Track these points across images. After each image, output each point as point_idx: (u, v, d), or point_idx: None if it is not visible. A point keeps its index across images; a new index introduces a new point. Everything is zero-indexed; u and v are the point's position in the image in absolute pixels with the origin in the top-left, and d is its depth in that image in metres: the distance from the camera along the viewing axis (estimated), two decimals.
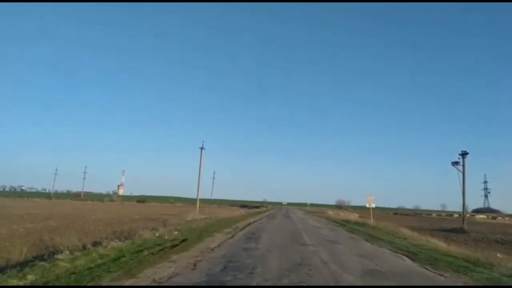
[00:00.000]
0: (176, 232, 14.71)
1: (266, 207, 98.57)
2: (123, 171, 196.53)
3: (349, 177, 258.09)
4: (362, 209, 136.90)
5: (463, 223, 35.18)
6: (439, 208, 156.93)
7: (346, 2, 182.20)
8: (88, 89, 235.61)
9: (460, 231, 31.29)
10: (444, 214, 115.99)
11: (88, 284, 6.19)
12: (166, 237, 12.91)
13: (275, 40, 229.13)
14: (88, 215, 32.35)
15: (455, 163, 33.37)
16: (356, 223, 32.71)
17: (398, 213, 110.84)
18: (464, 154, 33.36)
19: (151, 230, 14.81)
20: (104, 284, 6.24)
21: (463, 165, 33.48)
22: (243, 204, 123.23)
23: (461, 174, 33.55)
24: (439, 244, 14.88)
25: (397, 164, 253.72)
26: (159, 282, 6.43)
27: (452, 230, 33.32)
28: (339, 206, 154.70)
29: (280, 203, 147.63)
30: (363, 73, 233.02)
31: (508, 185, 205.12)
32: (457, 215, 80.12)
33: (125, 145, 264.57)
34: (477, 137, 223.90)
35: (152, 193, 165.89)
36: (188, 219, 23.53)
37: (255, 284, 6.52)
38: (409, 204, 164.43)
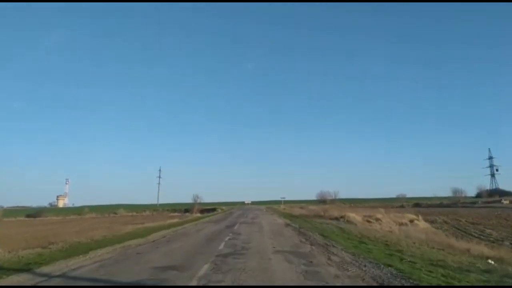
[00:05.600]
0: None
1: (198, 210, 54.08)
2: (67, 179, 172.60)
3: (331, 166, 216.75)
4: (356, 203, 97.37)
5: None
6: (449, 194, 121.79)
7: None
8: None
9: None
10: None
11: None
12: None
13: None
14: None
15: None
16: None
17: (420, 204, 72.41)
18: None
19: None
20: None
21: None
22: (187, 209, 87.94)
23: None
24: None
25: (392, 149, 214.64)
26: None
27: None
28: (322, 201, 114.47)
29: (242, 203, 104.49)
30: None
31: None
32: None
33: (71, 152, 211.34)
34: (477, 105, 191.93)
35: (101, 202, 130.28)
36: None
37: None
38: (409, 192, 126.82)
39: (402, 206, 79.14)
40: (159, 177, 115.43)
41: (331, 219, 27.22)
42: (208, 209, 65.98)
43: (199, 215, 41.88)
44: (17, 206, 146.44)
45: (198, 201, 44.89)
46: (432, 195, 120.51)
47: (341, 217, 25.92)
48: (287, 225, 21.23)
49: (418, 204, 73.35)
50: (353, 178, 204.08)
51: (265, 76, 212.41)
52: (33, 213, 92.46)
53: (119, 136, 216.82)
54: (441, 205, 66.57)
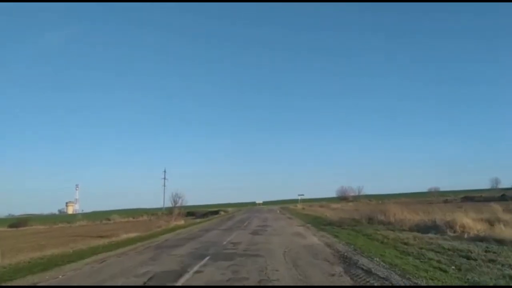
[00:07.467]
0: None
1: (183, 215, 41.26)
2: (77, 185, 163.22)
3: (351, 161, 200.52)
4: (384, 199, 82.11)
5: None
6: (487, 186, 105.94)
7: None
8: None
9: None
10: None
11: None
12: None
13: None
14: None
15: None
16: None
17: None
18: None
19: None
20: None
21: None
22: (190, 212, 76.63)
23: None
24: None
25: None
26: None
27: None
28: (344, 198, 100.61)
29: (253, 203, 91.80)
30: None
31: None
32: None
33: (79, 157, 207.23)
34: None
35: (109, 207, 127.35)
36: None
37: None
38: (441, 186, 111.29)
39: (446, 201, 64.92)
40: (164, 178, 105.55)
41: (411, 229, 13.97)
42: (208, 212, 53.66)
43: (182, 222, 29.05)
44: (28, 214, 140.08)
45: (180, 202, 32.26)
46: (467, 188, 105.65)
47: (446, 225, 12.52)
48: (348, 263, 8.08)
49: (469, 198, 58.77)
50: (377, 172, 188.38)
51: (276, 73, 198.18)
52: (16, 223, 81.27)
53: (125, 139, 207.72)
54: (504, 198, 51.96)
